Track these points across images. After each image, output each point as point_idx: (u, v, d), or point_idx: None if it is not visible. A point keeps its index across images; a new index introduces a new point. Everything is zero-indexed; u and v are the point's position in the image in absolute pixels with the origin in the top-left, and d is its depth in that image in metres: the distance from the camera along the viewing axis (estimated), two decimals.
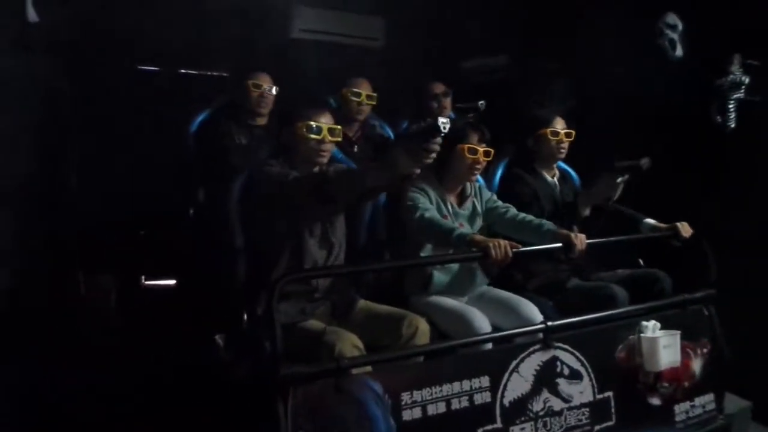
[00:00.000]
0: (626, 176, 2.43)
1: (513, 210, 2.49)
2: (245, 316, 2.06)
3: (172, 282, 3.45)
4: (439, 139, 1.68)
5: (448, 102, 3.36)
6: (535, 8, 4.00)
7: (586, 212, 2.54)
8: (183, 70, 4.33)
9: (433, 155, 1.71)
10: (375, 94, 3.11)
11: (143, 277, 3.79)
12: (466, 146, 2.37)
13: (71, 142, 3.47)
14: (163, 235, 3.41)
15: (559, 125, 2.77)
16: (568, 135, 2.75)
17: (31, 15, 2.39)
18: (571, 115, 3.46)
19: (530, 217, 2.43)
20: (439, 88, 3.35)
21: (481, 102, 2.79)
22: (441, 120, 1.61)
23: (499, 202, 2.54)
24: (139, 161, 3.62)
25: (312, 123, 2.14)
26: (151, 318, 3.20)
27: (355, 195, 2.04)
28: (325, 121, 2.17)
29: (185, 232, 3.07)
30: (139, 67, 4.16)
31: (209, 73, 4.41)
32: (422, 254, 2.39)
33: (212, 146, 3.02)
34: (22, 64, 2.46)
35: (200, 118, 3.19)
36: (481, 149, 2.38)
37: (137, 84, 4.02)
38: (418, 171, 1.77)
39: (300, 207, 2.08)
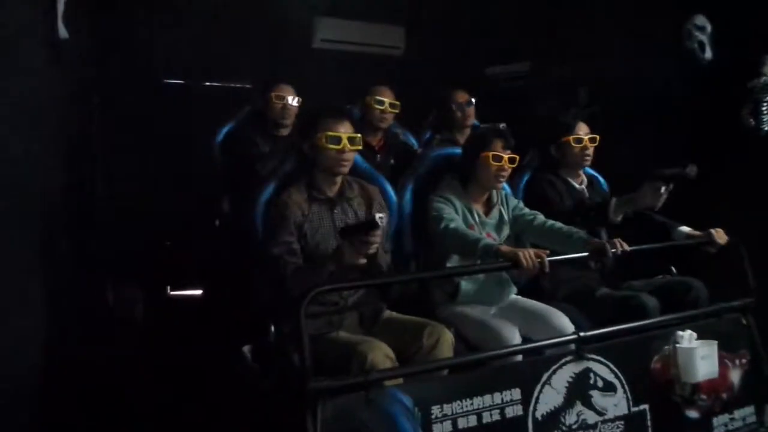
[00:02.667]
0: (671, 185, 2.35)
1: (541, 217, 2.45)
2: (272, 328, 2.05)
3: (199, 292, 3.47)
4: (378, 232, 1.85)
5: (471, 110, 3.35)
6: (557, 12, 3.97)
7: (618, 218, 2.46)
8: (208, 83, 4.40)
9: (375, 247, 1.89)
10: (398, 102, 3.10)
11: (169, 288, 3.82)
12: (491, 154, 2.34)
13: (100, 156, 3.54)
14: (190, 245, 3.44)
15: (582, 131, 2.72)
16: (592, 140, 2.71)
17: (62, 32, 2.44)
18: (596, 120, 3.44)
19: (559, 224, 2.38)
20: (462, 97, 3.33)
21: (502, 125, 2.78)
22: (378, 216, 1.80)
23: (526, 210, 2.50)
24: (166, 173, 3.67)
25: (331, 133, 2.12)
26: (178, 329, 3.22)
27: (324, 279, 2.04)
28: (344, 131, 2.14)
29: (211, 243, 3.09)
30: (165, 80, 4.23)
31: (233, 85, 4.47)
32: (449, 264, 2.35)
33: (237, 156, 3.05)
34: (53, 80, 2.51)
35: (225, 129, 3.23)
36: (506, 156, 2.35)
37: (163, 97, 4.08)
38: (363, 261, 1.92)
39: None
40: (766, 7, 2.88)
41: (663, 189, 2.34)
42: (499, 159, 2.35)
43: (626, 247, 2.16)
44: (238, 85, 4.50)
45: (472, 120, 3.37)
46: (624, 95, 3.47)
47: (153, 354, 3.07)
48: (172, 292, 3.89)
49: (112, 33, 3.61)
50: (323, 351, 1.87)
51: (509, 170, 2.39)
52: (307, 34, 4.66)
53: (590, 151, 2.72)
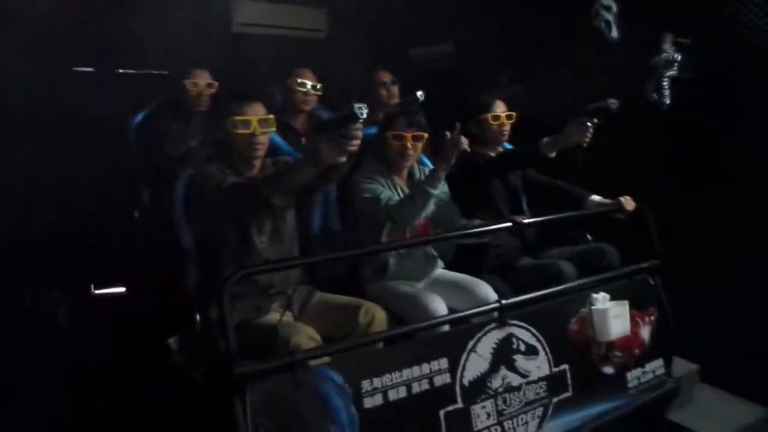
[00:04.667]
0: (595, 119, 2.42)
1: (457, 212, 2.52)
2: (197, 317, 2.02)
3: (123, 288, 3.35)
4: (358, 125, 1.67)
5: (395, 90, 3.38)
6: None
7: (552, 154, 2.51)
8: (121, 70, 4.21)
9: (355, 142, 1.71)
10: (320, 84, 3.09)
11: (93, 286, 3.67)
12: (392, 133, 2.40)
13: (8, 149, 3.33)
14: (111, 240, 3.31)
15: (500, 109, 2.83)
16: (509, 117, 2.83)
17: None
18: (518, 99, 3.55)
19: (466, 221, 2.47)
20: (386, 76, 3.36)
21: (419, 93, 2.82)
22: (357, 106, 1.61)
23: (448, 198, 2.53)
24: (80, 166, 3.50)
25: (239, 117, 2.08)
26: (102, 326, 3.10)
27: (289, 194, 2.00)
28: (254, 114, 2.10)
29: (132, 236, 2.99)
30: (75, 68, 4.01)
31: (148, 71, 4.30)
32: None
33: (153, 144, 2.96)
34: None
35: (140, 116, 3.11)
36: (408, 134, 2.40)
37: (74, 85, 3.88)
38: (343, 159, 1.76)
39: (243, 211, 2.05)
40: None
41: (588, 123, 2.42)
42: (400, 138, 2.40)
43: (523, 221, 2.27)
44: (154, 72, 4.33)
45: (396, 100, 3.40)
46: (545, 75, 3.58)
47: (79, 355, 2.95)
48: (96, 291, 3.74)
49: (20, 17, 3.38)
50: (250, 336, 1.87)
51: (414, 147, 2.43)
52: (226, 18, 4.53)
53: (507, 127, 2.83)
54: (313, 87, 3.06)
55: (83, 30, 3.80)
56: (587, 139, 2.43)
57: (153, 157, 2.91)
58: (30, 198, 3.38)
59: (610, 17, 3.30)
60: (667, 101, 3.09)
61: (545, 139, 2.51)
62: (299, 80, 3.04)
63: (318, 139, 1.74)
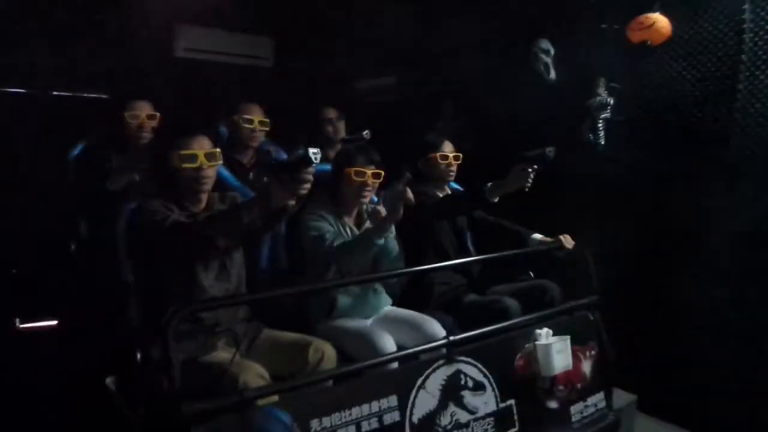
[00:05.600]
0: (534, 166, 2.50)
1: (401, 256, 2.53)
2: (138, 356, 1.93)
3: (54, 323, 3.16)
4: (311, 169, 1.69)
5: (341, 125, 3.39)
6: (420, 31, 4.15)
7: (495, 199, 2.59)
8: (56, 93, 4.03)
9: (307, 186, 1.73)
10: (267, 120, 3.05)
11: (18, 320, 3.44)
12: (353, 170, 2.41)
13: None
14: (42, 272, 3.13)
15: (448, 149, 2.91)
16: (456, 158, 2.90)
17: None
18: (464, 132, 3.64)
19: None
20: (332, 113, 3.36)
21: (365, 132, 2.85)
22: (311, 151, 1.63)
23: (393, 235, 2.52)
24: (12, 193, 3.31)
25: (185, 152, 2.03)
26: (31, 364, 2.90)
27: (234, 235, 1.97)
28: (200, 147, 2.06)
29: (67, 269, 2.82)
30: (6, 89, 3.82)
31: (86, 95, 4.14)
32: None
33: (92, 175, 2.81)
34: None
35: (78, 148, 2.97)
36: (369, 171, 2.42)
37: (7, 108, 3.69)
38: (292, 202, 1.77)
39: (187, 251, 1.99)
40: (600, 34, 3.24)
41: (529, 170, 2.50)
42: (362, 174, 2.41)
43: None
44: (93, 96, 4.17)
45: (342, 135, 3.41)
46: (487, 108, 3.69)
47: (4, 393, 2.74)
48: (21, 325, 3.50)
49: None
50: (195, 375, 1.79)
51: (373, 185, 2.46)
52: (169, 42, 4.44)
53: (454, 167, 2.90)
54: (261, 122, 3.00)
55: (18, 50, 3.64)
56: (528, 184, 2.53)
57: (92, 191, 2.77)
58: None
59: (548, 60, 3.47)
60: (602, 142, 3.26)
61: (489, 185, 2.59)
62: (245, 116, 2.97)
63: (269, 182, 1.74)
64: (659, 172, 3.07)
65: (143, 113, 2.91)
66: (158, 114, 2.95)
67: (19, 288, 3.41)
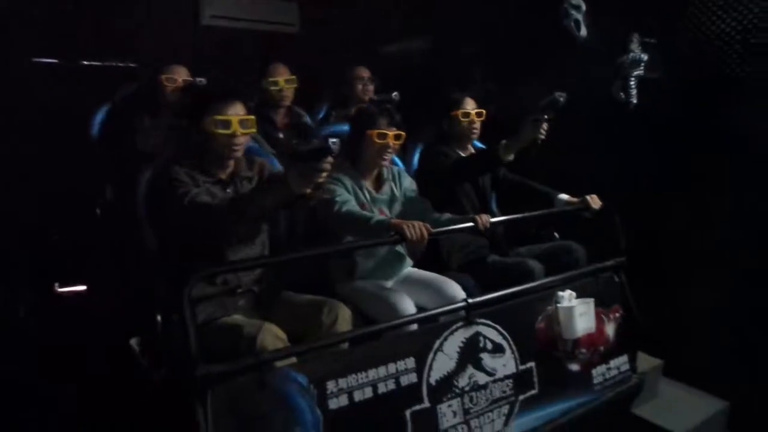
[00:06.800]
0: (546, 114, 2.46)
1: (428, 206, 2.50)
2: (159, 318, 1.98)
3: (84, 288, 3.28)
4: (330, 159, 1.71)
5: (372, 87, 3.41)
6: None
7: (510, 157, 2.56)
8: (86, 62, 4.10)
9: (325, 175, 1.74)
10: (294, 77, 3.10)
11: (57, 284, 3.58)
12: (376, 132, 2.37)
13: None
14: (73, 237, 3.23)
15: (470, 106, 2.84)
16: (478, 115, 2.84)
17: None
18: (490, 96, 3.56)
19: (438, 215, 2.43)
20: (365, 72, 3.42)
21: (395, 93, 2.82)
22: (331, 141, 1.65)
23: (416, 196, 2.55)
24: (43, 160, 3.40)
25: (220, 117, 2.02)
26: (64, 327, 3.02)
27: (253, 219, 1.99)
28: (234, 113, 2.05)
29: (94, 233, 2.91)
30: (36, 59, 3.89)
31: (115, 64, 4.19)
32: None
33: (119, 137, 2.87)
34: None
35: (105, 108, 3.04)
36: (390, 133, 2.38)
37: (36, 78, 3.77)
38: (310, 191, 1.79)
39: (204, 229, 1.99)
40: None
41: (541, 119, 2.46)
42: (384, 136, 2.37)
43: (487, 222, 2.24)
44: (121, 65, 4.22)
45: (371, 96, 3.41)
46: (515, 70, 3.60)
47: (39, 355, 2.88)
48: (60, 289, 3.64)
49: None
50: (213, 337, 1.83)
51: (395, 147, 2.42)
52: (196, 9, 4.46)
53: (477, 125, 2.84)
54: (287, 81, 3.07)
55: (45, 20, 3.70)
56: (542, 135, 2.47)
57: (119, 151, 2.83)
58: None
59: (579, 16, 3.34)
60: (634, 101, 3.14)
61: (503, 142, 2.54)
62: (271, 80, 3.06)
63: (287, 170, 1.76)
64: (694, 130, 2.94)
65: (179, 77, 2.96)
66: (194, 80, 3.00)
67: (57, 253, 3.53)
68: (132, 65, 4.16)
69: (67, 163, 3.09)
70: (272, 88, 3.06)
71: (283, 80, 3.06)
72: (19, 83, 3.43)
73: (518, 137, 2.51)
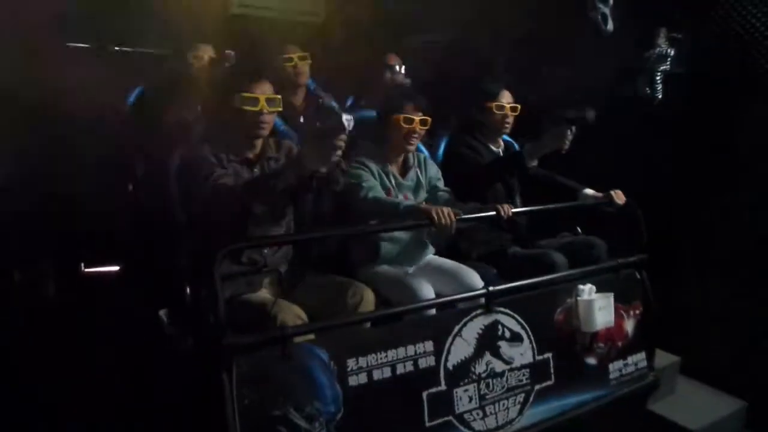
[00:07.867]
0: (573, 127, 2.46)
1: (452, 196, 2.52)
2: (188, 292, 2.03)
3: (116, 268, 3.35)
4: (344, 136, 1.71)
5: (400, 76, 3.41)
6: None
7: (534, 162, 2.59)
8: (118, 48, 4.18)
9: (339, 152, 1.75)
10: (306, 53, 3.14)
11: (83, 264, 3.66)
12: (402, 117, 2.39)
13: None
14: (105, 215, 3.30)
15: (505, 99, 2.81)
16: (513, 109, 2.80)
17: None
18: (510, 90, 3.55)
19: (462, 204, 2.44)
20: (394, 59, 3.43)
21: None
22: (345, 117, 1.66)
23: (441, 185, 2.57)
24: (75, 142, 3.48)
25: (247, 94, 2.05)
26: (92, 298, 3.10)
27: (270, 200, 2.02)
28: (262, 92, 2.08)
29: (126, 208, 2.98)
30: (69, 44, 3.98)
31: (145, 50, 4.27)
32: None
33: (150, 114, 2.94)
34: None
35: (137, 90, 3.11)
36: (417, 118, 2.40)
37: (68, 61, 3.85)
38: (324, 169, 1.81)
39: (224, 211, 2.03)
40: None
41: (567, 132, 2.46)
42: (410, 121, 2.39)
43: (509, 212, 2.26)
44: (152, 51, 4.30)
45: (400, 81, 3.43)
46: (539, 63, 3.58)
47: (68, 331, 2.95)
48: (87, 269, 3.72)
49: None
50: (239, 312, 1.88)
51: (421, 132, 2.44)
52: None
53: (511, 119, 2.82)
54: (300, 58, 3.12)
55: (79, 5, 3.78)
56: (566, 146, 2.48)
57: (150, 130, 2.89)
58: (22, 172, 3.36)
59: (606, 10, 3.31)
60: (659, 96, 3.12)
61: (526, 146, 2.56)
62: (284, 56, 3.10)
63: (302, 148, 1.79)
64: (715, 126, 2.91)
65: (206, 55, 3.02)
66: (219, 59, 3.05)
67: (86, 232, 3.61)
68: (163, 53, 4.23)
69: (100, 141, 3.16)
70: (286, 65, 3.09)
71: (297, 56, 3.10)
72: (54, 66, 3.51)
73: (542, 144, 2.53)
